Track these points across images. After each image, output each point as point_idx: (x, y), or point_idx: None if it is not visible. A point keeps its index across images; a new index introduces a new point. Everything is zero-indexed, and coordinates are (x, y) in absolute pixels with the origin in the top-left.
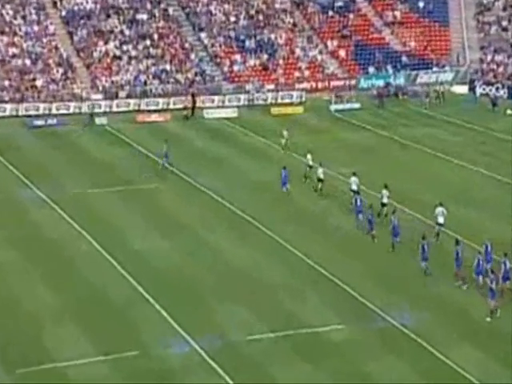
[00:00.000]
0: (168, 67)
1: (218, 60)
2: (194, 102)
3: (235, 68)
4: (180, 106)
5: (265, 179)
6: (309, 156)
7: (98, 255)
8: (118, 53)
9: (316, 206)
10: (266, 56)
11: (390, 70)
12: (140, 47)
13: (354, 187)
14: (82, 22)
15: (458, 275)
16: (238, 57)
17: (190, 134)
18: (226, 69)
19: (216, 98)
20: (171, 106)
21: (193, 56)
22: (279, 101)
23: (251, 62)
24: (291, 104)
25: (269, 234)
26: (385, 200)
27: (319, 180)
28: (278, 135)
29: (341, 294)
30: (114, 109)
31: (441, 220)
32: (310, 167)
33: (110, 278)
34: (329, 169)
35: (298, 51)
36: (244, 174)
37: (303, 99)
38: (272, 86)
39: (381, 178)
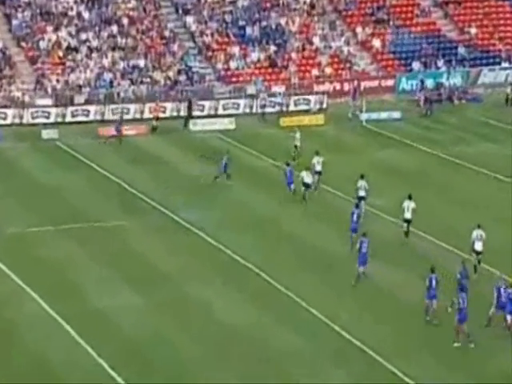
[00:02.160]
0: (142, 63)
1: (210, 53)
2: (191, 109)
3: (232, 64)
4: (159, 114)
5: (271, 213)
6: (315, 159)
7: (46, 317)
8: (73, 43)
9: (335, 248)
10: (273, 48)
11: (443, 67)
12: (104, 35)
13: (362, 193)
14: (24, 0)
15: (459, 331)
16: (235, 49)
17: (172, 153)
18: (219, 65)
19: (207, 103)
20: (147, 115)
21: (175, 48)
22: (292, 108)
23: (254, 57)
24: (307, 112)
25: (275, 285)
26: (408, 215)
27: (305, 185)
28: (288, 153)
29: (376, 369)
30: (69, 118)
31: (479, 246)
32: (319, 173)
33: (61, 349)
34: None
35: (316, 41)
36: (244, 206)
37: (324, 106)
38: (282, 89)
39: (429, 213)
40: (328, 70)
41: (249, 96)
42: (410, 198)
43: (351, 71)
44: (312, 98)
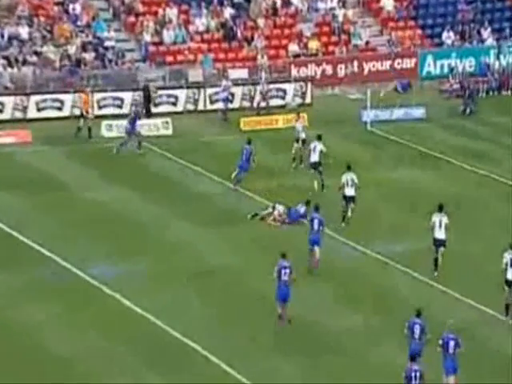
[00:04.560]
0: (25, 32)
1: (132, 19)
2: (149, 101)
3: (167, 36)
4: (88, 108)
5: (228, 264)
6: (312, 145)
7: None
8: None
9: (327, 320)
10: (229, 11)
11: (490, 39)
12: None
13: (350, 192)
14: None
15: None
16: (171, 13)
17: (71, 174)
18: (147, 37)
19: (127, 96)
20: (33, 115)
21: (78, 10)
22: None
23: (199, 24)
24: (282, 109)
25: (233, 375)
26: (441, 235)
27: (261, 218)
28: (259, 172)
29: None
30: None
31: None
32: (318, 164)
33: None
34: (364, 246)
35: (295, 0)
36: (188, 254)
37: (307, 100)
38: (243, 73)
39: (468, 261)
40: (313, 45)
41: (192, 84)
42: (440, 209)
43: (349, 47)
44: (289, 87)
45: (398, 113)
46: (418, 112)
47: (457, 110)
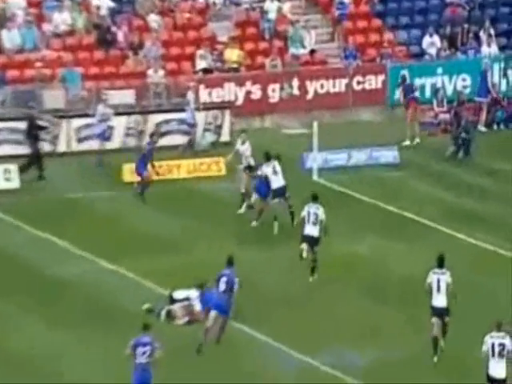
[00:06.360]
0: None
1: None
2: (36, 137)
3: (8, 40)
4: None
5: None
6: (269, 168)
7: None
8: None
9: None
10: (107, 3)
11: (491, 46)
12: None
13: (314, 231)
14: None
15: None
16: (16, 4)
17: None
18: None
19: None
20: None
21: None
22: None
23: (59, 22)
24: (184, 151)
25: None
26: (441, 301)
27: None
28: (147, 247)
29: None
30: None
31: (496, 371)
32: (282, 194)
33: None
34: (312, 356)
35: None
36: (42, 370)
37: (224, 136)
38: (128, 96)
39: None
40: (232, 55)
41: (48, 114)
42: (440, 264)
43: (286, 58)
44: (199, 116)
45: (359, 156)
46: (388, 155)
47: (444, 151)
